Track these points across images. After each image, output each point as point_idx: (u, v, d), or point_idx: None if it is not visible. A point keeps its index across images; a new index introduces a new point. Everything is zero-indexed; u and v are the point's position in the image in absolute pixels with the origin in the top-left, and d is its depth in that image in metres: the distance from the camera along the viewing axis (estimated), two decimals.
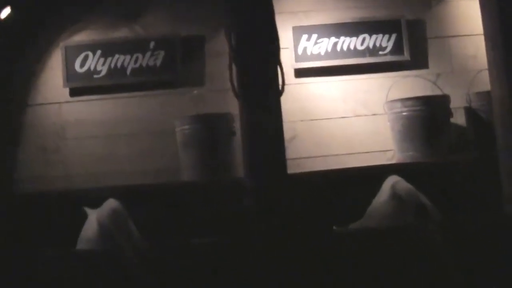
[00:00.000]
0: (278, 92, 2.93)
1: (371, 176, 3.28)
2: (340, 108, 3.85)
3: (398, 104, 3.54)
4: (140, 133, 3.82)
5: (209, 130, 3.44)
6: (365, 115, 3.84)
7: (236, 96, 2.93)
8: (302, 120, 3.83)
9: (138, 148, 3.81)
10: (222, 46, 3.13)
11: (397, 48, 3.84)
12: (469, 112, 3.67)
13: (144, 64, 3.80)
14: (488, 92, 3.06)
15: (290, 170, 3.68)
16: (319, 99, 3.86)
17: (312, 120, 3.84)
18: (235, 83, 2.81)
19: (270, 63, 2.90)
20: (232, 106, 3.04)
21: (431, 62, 3.92)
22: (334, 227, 3.22)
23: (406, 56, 3.83)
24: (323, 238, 2.94)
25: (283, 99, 3.72)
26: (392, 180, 3.21)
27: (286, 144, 3.66)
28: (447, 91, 3.78)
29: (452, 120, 3.71)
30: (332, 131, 3.83)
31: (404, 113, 3.52)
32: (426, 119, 3.48)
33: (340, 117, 3.84)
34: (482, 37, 3.76)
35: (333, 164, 3.78)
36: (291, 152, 3.80)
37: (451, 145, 3.56)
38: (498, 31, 3.10)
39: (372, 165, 3.57)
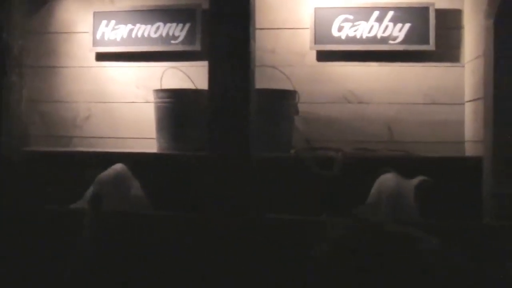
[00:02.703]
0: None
1: (100, 161, 3.44)
2: (133, 94, 3.99)
3: (154, 95, 3.61)
4: None
5: None
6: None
7: None
8: (97, 102, 4.03)
9: None
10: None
11: (190, 38, 3.86)
12: None
13: None
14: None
15: (83, 148, 3.97)
16: (115, 83, 4.03)
17: (106, 102, 4.03)
18: None
19: None
20: None
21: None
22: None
23: (197, 46, 3.85)
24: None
25: (81, 80, 4.00)
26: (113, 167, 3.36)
27: (81, 123, 3.96)
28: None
29: None
30: (124, 115, 3.99)
31: (158, 104, 3.60)
32: (174, 111, 3.53)
33: (131, 102, 3.98)
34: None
35: (121, 146, 3.96)
36: (85, 131, 4.07)
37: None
38: None
39: (101, 151, 3.71)
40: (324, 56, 3.81)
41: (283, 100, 3.53)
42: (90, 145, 4.00)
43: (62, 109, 4.07)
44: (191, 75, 3.78)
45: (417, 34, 3.69)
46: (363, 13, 3.73)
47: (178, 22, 3.87)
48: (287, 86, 3.67)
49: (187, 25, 3.85)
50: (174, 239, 3.08)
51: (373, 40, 3.73)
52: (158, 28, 3.90)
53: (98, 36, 3.98)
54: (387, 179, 3.12)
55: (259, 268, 3.00)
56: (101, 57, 4.03)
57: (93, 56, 4.03)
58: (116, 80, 4.02)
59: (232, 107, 3.04)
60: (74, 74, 4.06)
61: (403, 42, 3.71)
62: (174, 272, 2.98)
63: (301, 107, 3.75)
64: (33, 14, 4.04)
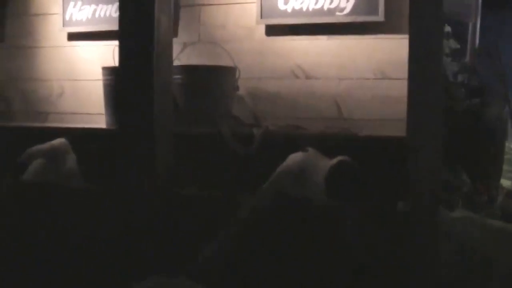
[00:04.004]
0: None
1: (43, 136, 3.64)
2: (99, 72, 4.11)
3: (102, 72, 3.74)
4: None
5: None
6: None
7: None
8: (69, 79, 4.24)
9: None
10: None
11: None
12: None
13: None
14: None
15: (56, 123, 4.23)
16: (84, 62, 4.20)
17: (77, 80, 4.22)
18: None
19: None
20: None
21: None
22: None
23: None
24: None
25: (55, 59, 4.26)
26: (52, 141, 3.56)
27: (55, 100, 4.22)
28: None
29: None
30: (91, 91, 4.15)
31: (104, 81, 3.72)
32: (115, 88, 3.62)
33: (97, 79, 4.12)
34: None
35: (88, 121, 4.15)
36: (59, 107, 4.31)
37: None
38: None
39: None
40: (273, 30, 3.70)
41: (218, 76, 3.50)
42: (62, 121, 4.22)
43: (40, 87, 4.32)
44: None
45: (365, 4, 3.47)
46: None
47: None
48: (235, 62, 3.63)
49: None
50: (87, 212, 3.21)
51: (320, 12, 3.56)
52: (118, 7, 3.98)
53: (67, 17, 4.16)
54: (294, 157, 3.01)
55: (173, 242, 3.05)
56: (72, 37, 4.21)
57: (64, 36, 4.22)
58: (85, 59, 4.18)
59: (135, 84, 3.08)
60: (49, 53, 4.28)
61: (351, 13, 3.51)
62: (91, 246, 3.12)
63: (250, 83, 3.70)
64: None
